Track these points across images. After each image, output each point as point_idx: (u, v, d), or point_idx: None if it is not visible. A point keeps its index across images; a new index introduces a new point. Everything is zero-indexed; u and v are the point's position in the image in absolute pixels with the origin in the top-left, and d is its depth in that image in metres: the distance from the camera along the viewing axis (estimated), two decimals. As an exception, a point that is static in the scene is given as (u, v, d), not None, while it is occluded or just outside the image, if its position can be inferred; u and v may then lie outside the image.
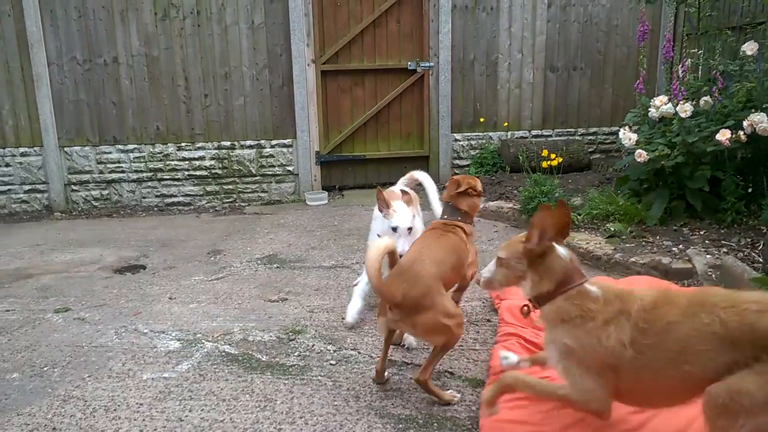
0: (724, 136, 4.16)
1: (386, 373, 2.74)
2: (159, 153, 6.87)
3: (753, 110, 4.20)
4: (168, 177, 6.94)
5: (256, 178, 7.07)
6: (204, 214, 6.59)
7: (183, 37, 6.66)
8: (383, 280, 2.45)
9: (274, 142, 7.02)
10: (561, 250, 2.01)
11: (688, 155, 4.47)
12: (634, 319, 1.83)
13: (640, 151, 4.58)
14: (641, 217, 4.65)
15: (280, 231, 5.64)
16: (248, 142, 6.98)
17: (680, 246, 4.12)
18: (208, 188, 7.02)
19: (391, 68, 7.08)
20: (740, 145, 4.25)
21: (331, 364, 2.95)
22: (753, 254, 3.87)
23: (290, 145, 7.04)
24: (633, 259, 3.98)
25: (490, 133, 7.35)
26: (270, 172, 7.08)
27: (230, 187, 7.06)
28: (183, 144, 6.89)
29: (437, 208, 3.76)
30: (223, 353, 3.11)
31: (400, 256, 3.06)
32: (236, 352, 3.12)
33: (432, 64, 7.07)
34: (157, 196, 6.97)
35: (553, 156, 5.61)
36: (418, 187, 4.05)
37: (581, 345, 1.89)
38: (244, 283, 4.22)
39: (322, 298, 3.84)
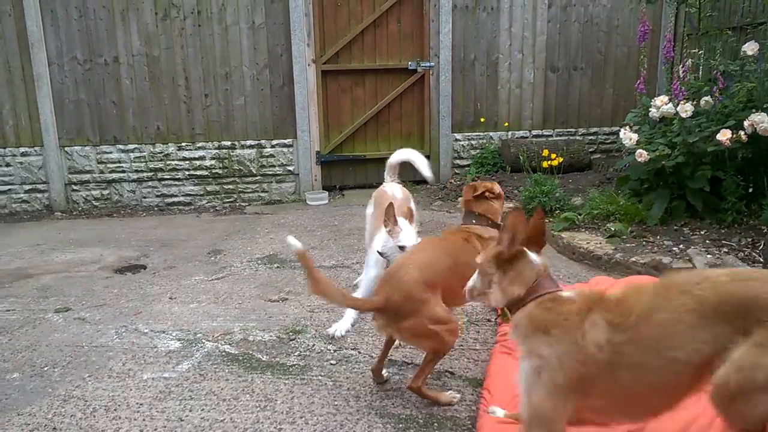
0: (724, 136, 4.16)
1: (386, 373, 2.75)
2: (159, 153, 6.87)
3: (754, 110, 4.20)
4: (168, 177, 6.94)
5: (257, 177, 7.07)
6: (204, 214, 6.59)
7: (183, 36, 6.66)
8: None
9: (274, 142, 7.02)
10: (533, 256, 1.93)
11: (689, 155, 4.47)
12: (607, 316, 1.73)
13: (640, 151, 4.58)
14: (642, 216, 4.65)
15: (280, 231, 5.64)
16: (249, 142, 6.98)
17: (681, 246, 4.12)
18: (209, 188, 7.02)
19: (391, 68, 7.08)
20: (741, 145, 4.25)
21: (331, 364, 2.95)
22: (754, 254, 3.87)
23: (291, 145, 7.04)
24: (633, 259, 3.98)
25: (491, 133, 7.35)
26: (270, 172, 7.08)
27: (231, 186, 7.06)
28: (183, 144, 6.89)
29: (428, 173, 4.16)
30: (224, 353, 3.11)
31: None
32: (236, 352, 3.12)
33: (432, 64, 7.07)
34: (157, 196, 6.97)
35: (553, 156, 5.62)
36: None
37: (556, 354, 1.76)
38: (244, 282, 4.22)
39: (322, 298, 3.83)
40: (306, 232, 5.54)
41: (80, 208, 6.88)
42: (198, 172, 6.96)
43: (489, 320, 3.39)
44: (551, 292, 1.87)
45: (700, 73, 5.39)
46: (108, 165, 6.83)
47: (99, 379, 2.88)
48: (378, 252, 3.32)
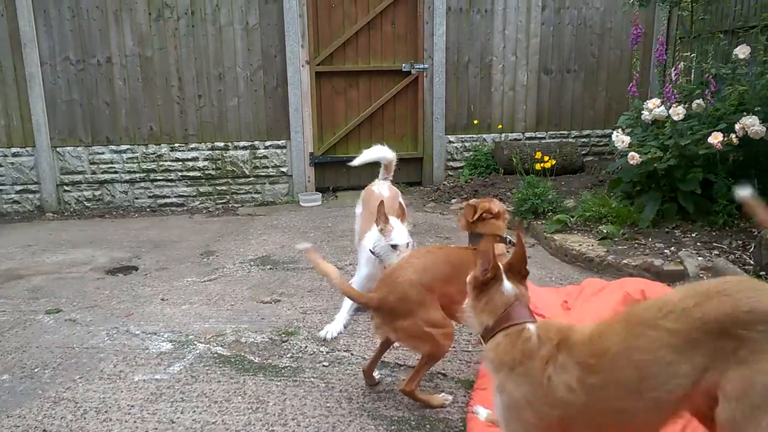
0: (716, 139, 4.18)
1: (378, 375, 2.74)
2: (152, 154, 6.85)
3: (745, 113, 4.23)
4: (161, 178, 6.91)
5: (250, 179, 7.06)
6: (197, 215, 6.57)
7: (177, 37, 6.65)
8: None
9: (267, 143, 7.01)
10: (507, 285, 1.85)
11: (681, 158, 4.49)
12: (577, 356, 1.65)
13: (632, 153, 4.60)
14: (634, 219, 4.67)
15: (273, 232, 5.63)
16: (242, 143, 6.97)
17: (672, 248, 4.14)
18: (202, 189, 7.00)
19: (385, 70, 7.08)
20: (732, 148, 4.27)
21: (323, 366, 2.94)
22: (744, 256, 3.89)
23: (284, 146, 7.03)
24: (625, 261, 4.00)
25: (484, 135, 7.36)
26: (264, 173, 7.07)
27: (223, 188, 7.04)
28: (176, 145, 6.87)
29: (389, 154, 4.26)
30: (216, 355, 3.10)
31: None
32: (228, 354, 3.11)
33: (426, 66, 7.07)
34: (149, 197, 6.95)
35: (546, 158, 5.64)
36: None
37: (523, 394, 1.70)
38: (236, 284, 4.21)
39: (315, 300, 3.84)
40: (299, 234, 5.53)
41: (72, 209, 6.84)
42: (191, 173, 6.94)
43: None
44: (518, 324, 1.79)
45: (692, 76, 5.42)
46: (100, 166, 6.80)
47: (90, 380, 2.86)
48: (370, 251, 3.32)
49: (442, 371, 2.83)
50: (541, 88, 7.37)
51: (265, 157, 7.02)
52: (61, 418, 2.54)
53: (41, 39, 6.45)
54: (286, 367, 2.94)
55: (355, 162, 4.37)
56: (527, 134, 7.43)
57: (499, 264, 1.86)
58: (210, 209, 6.83)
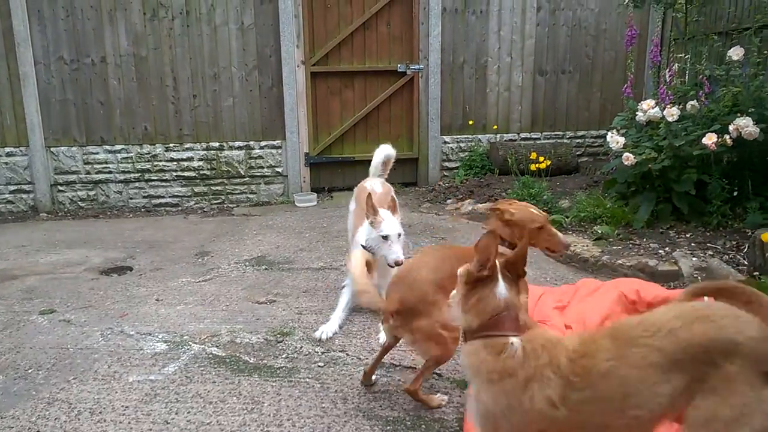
0: (710, 140, 4.20)
1: (374, 376, 2.74)
2: (147, 153, 6.83)
3: (739, 114, 4.25)
4: (156, 178, 6.90)
5: (245, 179, 7.05)
6: (192, 216, 6.56)
7: (172, 37, 6.63)
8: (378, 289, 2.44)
9: (263, 144, 7.00)
10: (501, 288, 1.75)
11: (675, 159, 4.51)
12: (564, 373, 1.61)
13: (627, 154, 4.62)
14: (628, 219, 4.69)
15: (268, 232, 5.62)
16: (237, 143, 6.95)
17: (666, 248, 4.15)
18: (196, 189, 6.99)
19: (380, 70, 7.09)
20: (726, 149, 4.29)
21: (319, 366, 2.94)
22: (738, 257, 3.91)
23: (279, 147, 7.02)
24: (620, 262, 4.01)
25: (479, 136, 7.38)
26: (259, 174, 7.06)
27: (218, 188, 7.03)
28: (171, 145, 6.85)
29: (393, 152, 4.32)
30: (210, 355, 3.10)
31: (399, 264, 3.07)
32: (223, 354, 3.10)
33: (422, 66, 7.08)
34: (144, 197, 6.93)
35: (541, 159, 5.66)
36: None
37: (501, 409, 1.66)
38: (232, 284, 4.20)
39: (311, 300, 3.83)
40: (294, 234, 5.52)
41: (66, 209, 6.81)
42: (186, 173, 6.93)
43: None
44: (504, 335, 1.70)
45: (687, 77, 5.44)
46: (94, 166, 6.78)
47: (84, 381, 2.85)
48: (362, 246, 3.30)
49: (438, 371, 2.82)
50: (536, 89, 7.39)
51: (261, 157, 7.01)
52: (55, 419, 2.53)
53: (35, 38, 6.43)
54: (282, 368, 2.94)
55: (374, 163, 4.38)
56: (522, 135, 7.45)
57: (497, 263, 1.78)
58: (205, 209, 6.82)
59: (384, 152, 4.39)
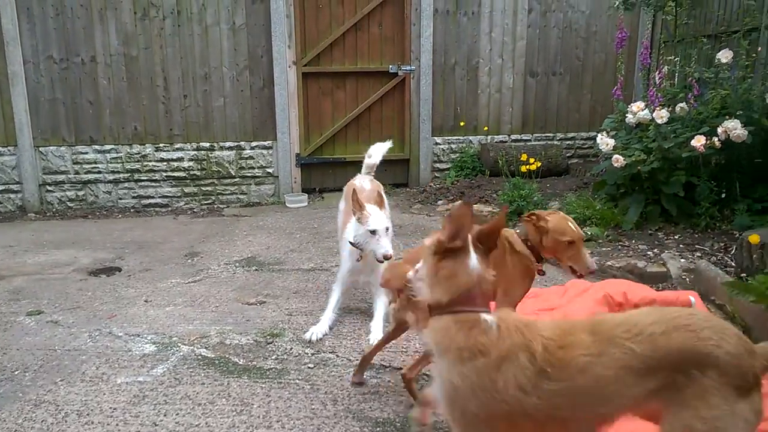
0: (699, 142, 4.23)
1: (365, 375, 2.74)
2: (136, 154, 6.79)
3: (727, 117, 4.28)
4: (145, 178, 6.86)
5: (236, 179, 7.03)
6: (182, 216, 6.52)
7: (162, 37, 6.60)
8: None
9: (254, 144, 6.98)
10: (473, 261, 1.66)
11: (664, 161, 4.54)
12: (539, 362, 1.56)
13: (617, 156, 4.64)
14: (617, 221, 4.71)
15: (259, 233, 5.61)
16: (228, 144, 6.93)
17: (655, 250, 4.18)
18: (186, 190, 6.96)
19: (372, 71, 7.08)
20: (714, 151, 4.32)
21: (309, 368, 2.93)
22: (726, 258, 3.93)
23: (270, 147, 7.01)
24: (609, 263, 4.03)
25: (471, 137, 7.39)
26: (249, 174, 7.04)
27: (209, 188, 7.00)
28: (161, 145, 6.81)
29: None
30: (200, 357, 3.08)
31: (387, 258, 3.07)
32: (213, 356, 3.09)
33: (413, 67, 7.08)
34: (133, 197, 6.89)
35: (532, 160, 5.67)
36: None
37: (471, 388, 1.59)
38: (221, 285, 4.18)
39: (301, 301, 3.83)
40: (285, 235, 5.51)
41: (54, 209, 6.76)
42: (176, 174, 6.89)
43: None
44: (475, 311, 1.64)
45: (676, 79, 5.48)
46: (84, 166, 6.73)
47: (71, 383, 2.83)
48: (350, 243, 3.29)
49: (427, 372, 2.82)
50: (527, 91, 7.41)
51: (251, 157, 6.99)
52: (42, 421, 2.51)
53: (24, 37, 6.37)
54: (271, 369, 2.93)
55: (376, 160, 4.33)
56: (513, 136, 7.46)
57: (470, 235, 1.68)
58: (195, 210, 6.79)
59: (383, 150, 4.33)
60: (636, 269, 3.89)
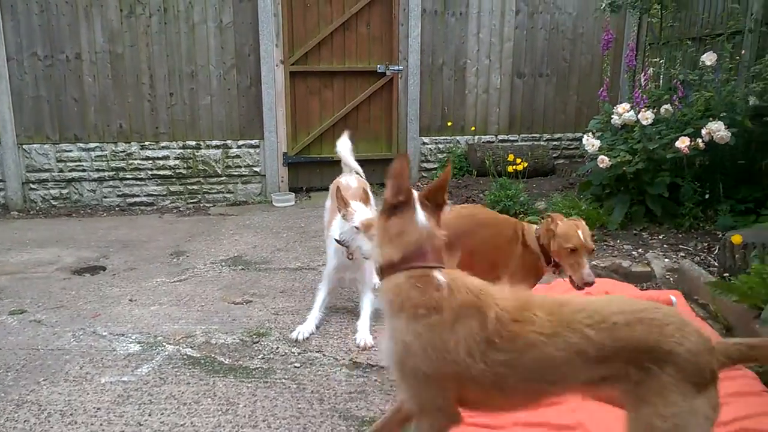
0: (683, 143, 4.28)
1: (353, 374, 2.74)
2: (122, 152, 6.73)
3: (711, 119, 4.33)
4: (130, 176, 6.80)
5: (222, 178, 6.99)
6: (167, 215, 6.48)
7: (149, 34, 6.55)
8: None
9: (240, 143, 6.94)
10: (421, 216, 1.64)
11: (649, 162, 4.59)
12: (490, 331, 1.56)
13: (602, 157, 4.68)
14: (603, 221, 4.74)
15: (245, 232, 5.58)
16: (214, 142, 6.89)
17: (640, 250, 4.22)
18: (172, 188, 6.91)
19: (360, 71, 7.08)
20: (698, 152, 4.37)
21: (295, 367, 2.93)
22: (709, 258, 3.98)
23: (257, 146, 6.98)
24: (594, 263, 4.05)
25: (458, 137, 7.41)
26: (236, 173, 7.01)
27: (195, 187, 6.96)
28: (147, 143, 6.76)
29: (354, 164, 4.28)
30: (185, 356, 3.06)
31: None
32: (198, 355, 3.07)
33: (401, 67, 7.09)
34: (118, 196, 6.83)
35: (518, 160, 5.69)
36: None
37: (423, 347, 1.58)
38: (207, 284, 4.16)
39: (288, 300, 3.82)
40: (272, 234, 5.49)
41: (38, 208, 6.69)
42: (161, 172, 6.84)
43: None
44: (428, 267, 1.62)
45: (661, 81, 5.54)
46: (68, 164, 6.66)
47: (55, 383, 2.80)
48: (336, 240, 3.29)
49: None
50: (514, 92, 7.44)
51: (238, 156, 6.96)
52: (24, 421, 2.48)
53: (8, 34, 6.29)
54: (257, 369, 2.92)
55: (346, 155, 4.39)
56: (500, 137, 7.50)
57: (413, 189, 1.68)
58: (181, 209, 6.74)
59: (347, 145, 4.38)
60: (621, 269, 3.92)
